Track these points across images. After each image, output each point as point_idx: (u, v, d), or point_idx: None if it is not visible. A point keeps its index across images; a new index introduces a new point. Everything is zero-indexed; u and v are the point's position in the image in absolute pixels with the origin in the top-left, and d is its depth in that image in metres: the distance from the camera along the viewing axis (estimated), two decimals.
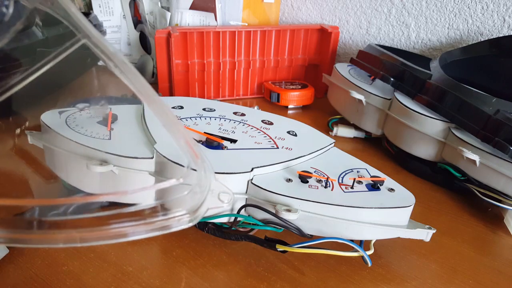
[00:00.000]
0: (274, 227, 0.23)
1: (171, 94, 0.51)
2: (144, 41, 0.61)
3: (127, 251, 0.24)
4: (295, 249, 0.23)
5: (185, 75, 0.51)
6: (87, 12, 0.58)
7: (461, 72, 0.38)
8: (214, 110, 0.33)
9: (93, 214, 0.14)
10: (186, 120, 0.30)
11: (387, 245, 0.26)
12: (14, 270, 0.22)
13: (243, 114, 0.33)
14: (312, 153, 0.28)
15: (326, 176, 0.25)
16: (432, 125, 0.34)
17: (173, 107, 0.32)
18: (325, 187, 0.24)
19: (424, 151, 0.35)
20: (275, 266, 0.24)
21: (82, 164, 0.23)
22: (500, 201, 0.29)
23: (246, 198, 0.24)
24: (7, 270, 0.22)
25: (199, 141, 0.27)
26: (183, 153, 0.16)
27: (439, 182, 0.35)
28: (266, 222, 0.23)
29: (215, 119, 0.31)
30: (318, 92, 0.55)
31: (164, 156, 0.23)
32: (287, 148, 0.27)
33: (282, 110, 0.51)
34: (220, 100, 0.46)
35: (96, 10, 0.59)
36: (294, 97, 0.51)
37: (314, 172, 0.25)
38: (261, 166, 0.24)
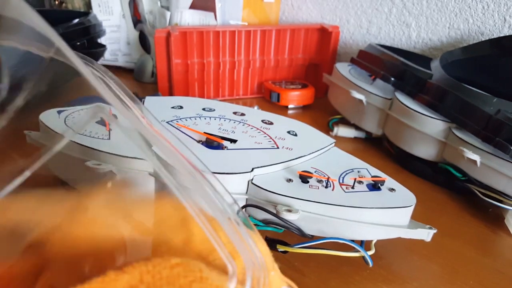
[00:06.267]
0: (275, 227, 0.23)
1: (170, 93, 0.51)
2: (143, 41, 0.60)
3: None
4: (295, 250, 0.22)
5: (185, 74, 0.51)
6: (87, 11, 0.58)
7: (462, 72, 0.38)
8: (214, 110, 0.33)
9: None
10: (186, 120, 0.30)
11: (388, 246, 0.26)
12: None
13: (243, 114, 0.32)
14: (312, 153, 0.27)
15: (326, 176, 0.25)
16: (432, 125, 0.34)
17: (172, 107, 0.32)
18: (326, 187, 0.24)
19: (425, 151, 0.35)
20: None
21: (81, 164, 0.23)
22: (501, 202, 0.29)
23: (247, 199, 0.24)
24: None
25: (199, 141, 0.27)
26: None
27: (440, 182, 0.35)
28: (266, 223, 0.23)
29: (215, 119, 0.31)
30: (319, 92, 0.55)
31: (162, 158, 0.23)
32: (287, 148, 0.27)
33: (282, 110, 0.51)
34: (220, 100, 0.46)
35: (95, 10, 0.58)
36: (294, 97, 0.51)
37: (315, 172, 0.25)
38: (261, 166, 0.24)
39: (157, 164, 0.13)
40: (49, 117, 0.27)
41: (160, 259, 0.12)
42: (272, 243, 0.23)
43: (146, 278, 0.11)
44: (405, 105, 0.36)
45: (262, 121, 0.32)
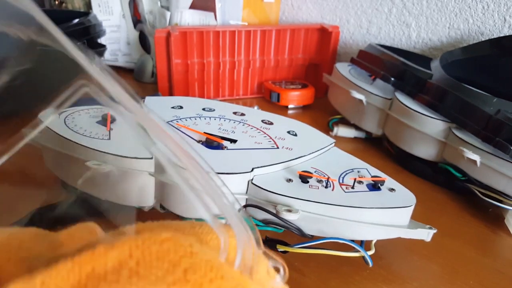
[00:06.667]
0: (275, 227, 0.23)
1: (170, 94, 0.51)
2: (143, 41, 0.60)
3: None
4: (295, 250, 0.22)
5: (185, 74, 0.51)
6: (87, 11, 0.58)
7: (462, 72, 0.38)
8: (214, 110, 0.33)
9: None
10: (186, 120, 0.30)
11: (388, 246, 0.26)
12: None
13: (243, 114, 0.32)
14: (312, 153, 0.27)
15: (326, 176, 0.25)
16: (432, 125, 0.34)
17: (172, 107, 0.32)
18: (326, 187, 0.24)
19: (425, 151, 0.35)
20: None
21: (81, 164, 0.23)
22: (501, 202, 0.29)
23: (247, 199, 0.24)
24: None
25: (199, 141, 0.27)
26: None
27: (440, 182, 0.35)
28: (266, 223, 0.23)
29: (215, 119, 0.31)
30: (319, 92, 0.55)
31: (162, 158, 0.23)
32: (287, 148, 0.27)
33: (282, 110, 0.51)
34: (220, 100, 0.46)
35: (95, 10, 0.58)
36: (294, 97, 0.51)
37: (315, 172, 0.25)
38: (261, 166, 0.24)
39: (150, 146, 0.13)
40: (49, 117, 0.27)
41: (150, 233, 0.11)
42: (272, 243, 0.23)
43: (135, 253, 0.11)
44: (405, 105, 0.36)
45: (262, 121, 0.32)
